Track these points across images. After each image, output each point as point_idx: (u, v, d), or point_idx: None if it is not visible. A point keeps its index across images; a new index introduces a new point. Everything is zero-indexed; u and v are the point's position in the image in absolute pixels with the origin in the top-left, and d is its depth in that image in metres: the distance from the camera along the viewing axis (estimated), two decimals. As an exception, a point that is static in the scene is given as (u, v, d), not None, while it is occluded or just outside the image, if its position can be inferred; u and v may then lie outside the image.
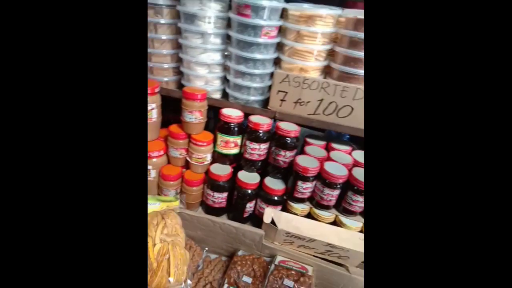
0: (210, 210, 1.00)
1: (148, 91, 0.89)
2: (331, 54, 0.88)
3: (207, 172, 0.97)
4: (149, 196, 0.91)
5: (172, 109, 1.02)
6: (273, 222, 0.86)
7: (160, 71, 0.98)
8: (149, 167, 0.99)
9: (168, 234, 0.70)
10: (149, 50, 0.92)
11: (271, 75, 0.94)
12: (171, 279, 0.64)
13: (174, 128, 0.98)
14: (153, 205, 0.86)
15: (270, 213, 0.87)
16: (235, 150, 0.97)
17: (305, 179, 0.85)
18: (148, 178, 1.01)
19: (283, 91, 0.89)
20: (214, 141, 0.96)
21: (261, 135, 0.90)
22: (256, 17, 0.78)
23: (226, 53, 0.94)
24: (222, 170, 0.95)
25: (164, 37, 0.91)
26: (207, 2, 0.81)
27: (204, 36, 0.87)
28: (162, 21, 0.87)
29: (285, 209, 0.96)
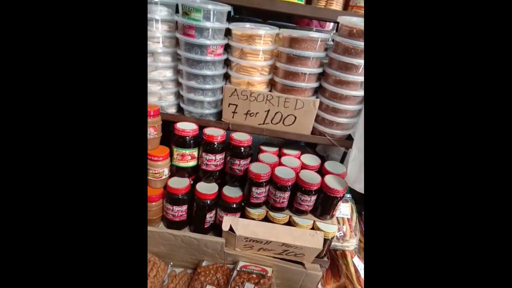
0: (171, 224, 1.00)
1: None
2: (275, 68, 0.97)
3: (166, 186, 0.98)
4: None
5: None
6: (231, 229, 0.90)
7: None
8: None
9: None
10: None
11: (222, 89, 1.00)
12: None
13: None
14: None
15: (228, 220, 0.91)
16: (192, 163, 1.00)
17: (259, 184, 0.91)
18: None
19: (234, 104, 0.95)
20: (171, 155, 0.98)
21: (216, 146, 0.94)
22: (201, 37, 0.84)
23: (178, 69, 0.98)
24: (180, 183, 0.97)
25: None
26: (155, 24, 0.85)
27: (154, 55, 0.91)
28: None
29: (244, 215, 1.00)
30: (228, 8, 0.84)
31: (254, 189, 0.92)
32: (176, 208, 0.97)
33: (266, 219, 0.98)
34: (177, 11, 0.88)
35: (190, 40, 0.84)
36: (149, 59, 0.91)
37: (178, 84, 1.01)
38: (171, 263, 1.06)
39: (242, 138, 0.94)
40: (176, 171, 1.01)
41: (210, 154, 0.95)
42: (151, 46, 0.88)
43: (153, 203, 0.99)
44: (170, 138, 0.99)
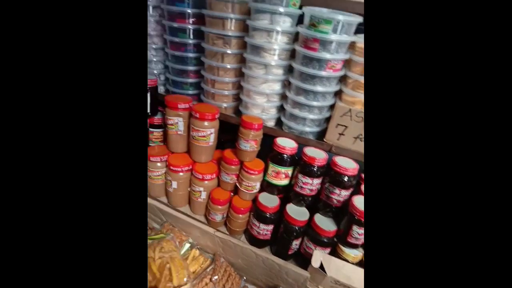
0: (254, 240, 0.97)
1: (209, 117, 0.93)
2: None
3: (255, 200, 0.95)
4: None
5: (225, 130, 1.05)
6: (322, 266, 0.79)
7: (221, 97, 1.03)
8: (200, 189, 1.02)
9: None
10: (213, 77, 0.98)
11: (330, 106, 0.90)
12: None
13: (228, 153, 1.00)
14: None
15: (319, 256, 0.80)
16: (285, 182, 0.94)
17: (362, 224, 0.77)
18: (198, 200, 1.04)
19: (343, 125, 0.84)
20: (265, 170, 0.95)
21: (315, 169, 0.85)
22: (323, 51, 0.76)
23: (286, 82, 0.94)
24: (270, 201, 0.92)
25: (229, 66, 0.95)
26: (275, 35, 0.83)
27: (267, 67, 0.89)
28: (229, 51, 0.92)
29: (335, 252, 0.87)
30: (359, 19, 0.74)
31: (355, 227, 0.79)
32: (262, 226, 0.92)
33: (361, 263, 0.83)
34: (298, 22, 0.84)
35: (310, 54, 0.77)
36: (261, 71, 0.90)
37: (283, 97, 0.97)
38: (245, 278, 1.03)
39: (347, 165, 0.82)
40: (266, 186, 0.97)
41: (307, 177, 0.86)
42: (267, 58, 0.86)
43: (240, 215, 0.97)
44: (266, 151, 0.95)
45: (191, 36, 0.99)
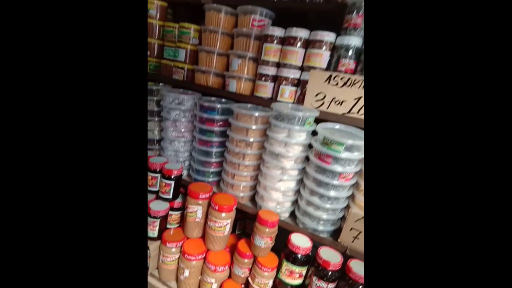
0: None
1: (227, 209, 0.99)
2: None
3: (268, 300, 0.93)
4: None
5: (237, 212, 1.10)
6: None
7: (239, 188, 1.11)
8: (211, 280, 1.01)
9: None
10: (233, 171, 1.08)
11: (346, 207, 0.96)
12: None
13: (242, 245, 1.03)
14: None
15: None
16: (298, 281, 0.93)
17: None
18: (209, 292, 1.03)
19: (357, 230, 0.88)
20: (279, 267, 0.96)
21: (330, 274, 0.86)
22: (336, 164, 0.86)
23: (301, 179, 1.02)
24: (284, 304, 0.90)
25: (247, 163, 1.06)
26: (292, 145, 0.95)
27: (283, 169, 0.99)
28: (249, 151, 1.04)
29: None
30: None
31: None
32: (275, 332, 0.88)
33: None
34: (313, 133, 0.97)
35: (324, 166, 0.87)
36: (278, 172, 1.00)
37: (298, 192, 1.04)
38: None
39: (362, 271, 0.83)
40: (279, 284, 0.96)
41: (321, 281, 0.87)
42: (283, 162, 0.97)
43: (252, 316, 0.94)
44: (280, 243, 0.98)
45: (217, 136, 1.13)
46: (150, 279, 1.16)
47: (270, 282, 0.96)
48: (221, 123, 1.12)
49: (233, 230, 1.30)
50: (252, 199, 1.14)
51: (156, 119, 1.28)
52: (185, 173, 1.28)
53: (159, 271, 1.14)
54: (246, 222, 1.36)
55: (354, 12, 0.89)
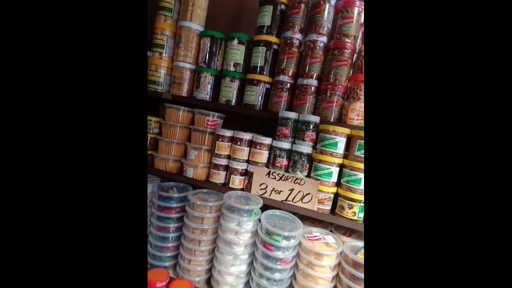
0: None
1: (184, 298, 1.04)
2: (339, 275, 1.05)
3: None
4: None
5: None
6: None
7: (195, 272, 1.17)
8: None
9: None
10: (189, 257, 1.15)
11: (289, 286, 1.09)
12: None
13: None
14: None
15: None
16: None
17: None
18: None
19: (299, 309, 1.01)
20: None
21: None
22: (277, 251, 1.02)
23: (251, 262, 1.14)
24: None
25: (203, 248, 1.15)
26: (242, 233, 1.09)
27: (235, 256, 1.10)
28: (204, 238, 1.14)
29: None
30: (299, 231, 1.05)
31: None
32: None
33: None
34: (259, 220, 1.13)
35: (268, 253, 1.02)
36: (230, 257, 1.11)
37: (249, 273, 1.15)
38: None
39: None
40: None
41: None
42: (236, 249, 1.09)
43: None
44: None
45: (174, 221, 1.22)
46: None
47: None
48: (178, 209, 1.22)
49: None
50: (208, 281, 1.20)
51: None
52: (141, 257, 1.29)
53: None
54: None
55: (283, 126, 1.16)
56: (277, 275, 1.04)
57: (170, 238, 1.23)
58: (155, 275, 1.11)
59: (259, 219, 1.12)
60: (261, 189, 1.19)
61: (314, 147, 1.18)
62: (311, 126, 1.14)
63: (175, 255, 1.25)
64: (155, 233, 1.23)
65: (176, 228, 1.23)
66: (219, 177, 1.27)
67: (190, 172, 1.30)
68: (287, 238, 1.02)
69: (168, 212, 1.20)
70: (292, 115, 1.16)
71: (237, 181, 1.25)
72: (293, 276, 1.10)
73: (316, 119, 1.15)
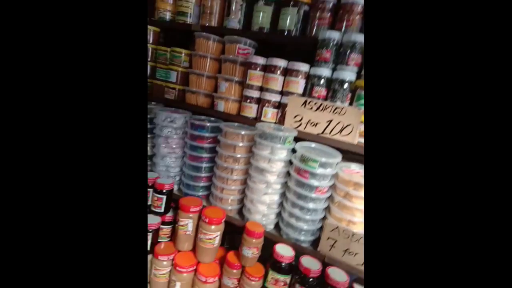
0: None
1: (216, 222, 1.07)
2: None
3: (254, 307, 1.00)
4: None
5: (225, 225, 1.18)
6: None
7: (227, 201, 1.19)
8: (202, 291, 1.07)
9: None
10: (222, 185, 1.16)
11: (323, 218, 1.05)
12: None
13: (231, 257, 1.09)
14: None
15: None
16: (283, 288, 1.01)
17: None
18: (199, 302, 1.08)
19: (333, 239, 0.98)
20: (265, 276, 1.03)
21: (310, 280, 0.94)
22: (312, 179, 0.97)
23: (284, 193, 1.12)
24: (270, 310, 0.97)
25: (235, 177, 1.15)
26: (275, 161, 1.05)
27: (268, 183, 1.08)
28: (237, 166, 1.13)
29: None
30: (338, 160, 0.97)
31: None
32: (261, 337, 0.95)
33: None
34: (294, 151, 1.07)
35: (303, 180, 0.97)
36: (263, 186, 1.09)
37: (281, 204, 1.13)
38: None
39: (339, 278, 0.92)
40: (266, 292, 1.03)
41: None
42: (268, 177, 1.06)
43: (240, 323, 1.00)
44: (266, 254, 1.05)
45: (207, 152, 1.22)
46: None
47: (257, 291, 1.03)
48: (210, 140, 1.21)
49: (222, 244, 1.36)
50: (240, 212, 1.22)
51: (148, 136, 1.35)
52: (175, 187, 1.34)
53: (150, 285, 1.18)
54: (234, 236, 1.42)
55: (324, 48, 1.03)
56: (311, 205, 1.00)
57: (203, 168, 1.24)
58: (189, 201, 1.15)
59: (293, 150, 1.06)
60: (295, 122, 1.11)
61: (358, 74, 1.04)
62: (357, 47, 0.99)
63: (208, 186, 1.27)
64: (188, 163, 1.24)
65: (208, 159, 1.23)
66: (250, 110, 1.21)
67: (221, 106, 1.25)
68: (323, 165, 0.95)
69: (201, 141, 1.20)
70: (335, 34, 1.02)
71: (270, 114, 1.18)
72: (328, 209, 1.06)
73: (363, 38, 0.99)
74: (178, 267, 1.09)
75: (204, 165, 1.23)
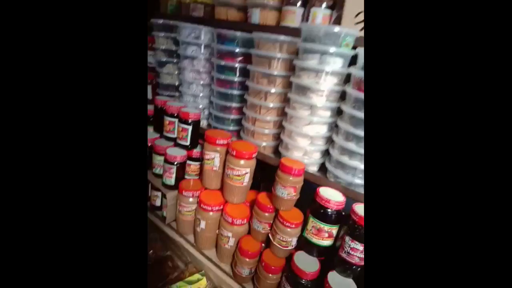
0: (284, 309, 0.80)
1: (246, 156, 0.87)
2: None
3: (289, 259, 0.80)
4: (179, 283, 0.95)
5: (263, 169, 0.97)
6: None
7: (261, 135, 0.97)
8: (228, 234, 0.92)
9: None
10: (254, 115, 0.93)
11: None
12: None
13: (262, 197, 0.90)
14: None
15: None
16: (328, 242, 0.78)
17: None
18: (225, 246, 0.94)
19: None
20: (304, 224, 0.81)
21: (367, 233, 0.68)
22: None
23: (335, 125, 0.83)
24: (308, 265, 0.77)
25: (271, 105, 0.90)
26: (324, 76, 0.75)
27: (312, 108, 0.81)
28: (273, 90, 0.88)
29: None
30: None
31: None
32: (296, 293, 0.76)
33: None
34: (351, 63, 0.76)
35: (365, 97, 0.67)
36: (306, 112, 0.82)
37: (329, 141, 0.85)
38: None
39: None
40: (304, 244, 0.82)
41: (357, 242, 0.70)
42: (313, 99, 0.78)
43: (271, 275, 0.83)
44: (307, 201, 0.83)
45: (237, 74, 0.98)
46: (168, 231, 1.13)
47: (294, 241, 0.83)
48: (241, 58, 0.96)
49: (256, 188, 1.18)
50: (276, 151, 0.99)
51: (175, 60, 1.18)
52: (205, 123, 1.18)
53: (177, 223, 1.10)
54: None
55: None
56: (375, 135, 0.70)
57: (233, 96, 1.02)
58: (216, 133, 0.97)
59: (352, 60, 0.74)
60: (356, 23, 0.76)
61: None
62: None
63: (239, 119, 1.06)
64: (216, 90, 1.04)
65: (239, 85, 1.00)
66: (293, 17, 0.90)
67: (256, 16, 0.97)
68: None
69: (230, 59, 0.96)
70: None
71: (320, 17, 0.85)
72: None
73: None
74: (203, 205, 0.95)
75: (235, 92, 1.01)
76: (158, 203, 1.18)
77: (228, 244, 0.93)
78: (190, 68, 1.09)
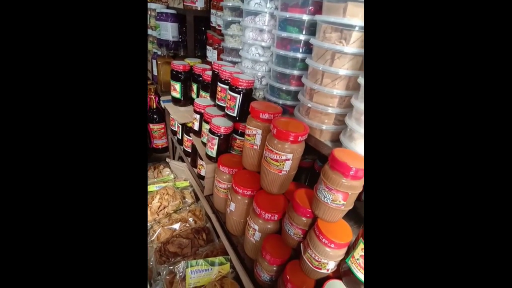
0: None
1: (289, 137, 0.66)
2: None
3: (320, 284, 0.58)
4: (200, 260, 0.90)
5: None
6: None
7: (318, 115, 0.72)
8: (255, 226, 0.76)
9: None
10: (314, 86, 0.69)
11: None
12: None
13: (300, 195, 0.68)
14: (206, 272, 0.89)
15: None
16: None
17: None
18: (251, 239, 0.79)
19: None
20: (352, 248, 0.55)
21: None
22: None
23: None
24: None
25: (341, 72, 0.63)
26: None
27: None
28: (346, 49, 0.61)
29: None
30: None
31: None
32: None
33: None
34: None
35: None
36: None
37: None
38: None
39: None
40: (345, 273, 0.57)
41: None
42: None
43: None
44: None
45: (304, 32, 0.75)
46: (204, 204, 1.08)
47: (331, 265, 0.58)
48: (312, 8, 0.72)
49: (303, 181, 0.96)
50: (336, 139, 0.72)
51: (240, 20, 1.04)
52: (261, 94, 1.01)
53: (213, 197, 1.03)
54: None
55: None
56: None
57: (295, 60, 0.80)
58: (263, 105, 0.79)
59: None
60: None
61: None
62: None
63: (298, 92, 0.84)
64: (276, 53, 0.84)
65: (304, 45, 0.77)
66: None
67: None
68: None
69: (298, 9, 0.74)
70: None
71: None
72: None
73: None
74: (235, 185, 0.82)
75: (298, 55, 0.78)
76: (203, 172, 1.14)
77: (254, 237, 0.78)
78: (251, 26, 0.92)
